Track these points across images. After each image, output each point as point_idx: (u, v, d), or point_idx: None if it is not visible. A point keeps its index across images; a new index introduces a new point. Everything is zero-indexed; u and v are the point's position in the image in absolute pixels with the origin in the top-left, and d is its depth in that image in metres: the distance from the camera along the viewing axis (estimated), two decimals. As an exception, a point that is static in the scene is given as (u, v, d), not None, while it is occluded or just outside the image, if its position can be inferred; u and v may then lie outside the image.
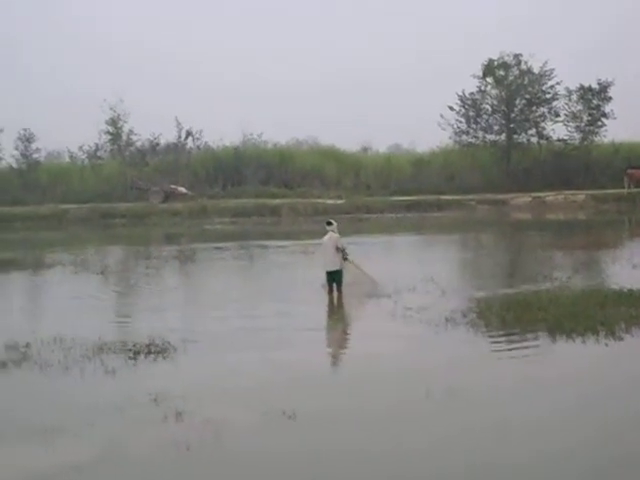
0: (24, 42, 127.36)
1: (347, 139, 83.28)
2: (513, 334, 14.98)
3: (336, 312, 19.02)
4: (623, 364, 12.96)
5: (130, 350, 14.27)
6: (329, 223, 20.76)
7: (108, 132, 66.82)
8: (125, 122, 66.44)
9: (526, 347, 14.13)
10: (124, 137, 67.24)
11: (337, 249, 20.17)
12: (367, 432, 10.06)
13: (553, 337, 14.40)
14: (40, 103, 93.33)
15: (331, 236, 20.33)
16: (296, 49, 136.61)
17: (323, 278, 20.34)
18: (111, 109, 65.40)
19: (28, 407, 11.55)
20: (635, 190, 55.71)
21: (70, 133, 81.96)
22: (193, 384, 12.25)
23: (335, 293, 19.99)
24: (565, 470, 8.76)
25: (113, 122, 66.14)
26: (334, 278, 20.10)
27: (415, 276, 21.82)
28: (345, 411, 10.92)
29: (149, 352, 14.15)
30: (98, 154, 70.19)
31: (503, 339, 14.80)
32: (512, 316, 15.99)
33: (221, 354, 14.25)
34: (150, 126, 70.30)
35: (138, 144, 68.54)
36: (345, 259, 20.34)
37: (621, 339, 14.22)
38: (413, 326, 16.05)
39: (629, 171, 57.08)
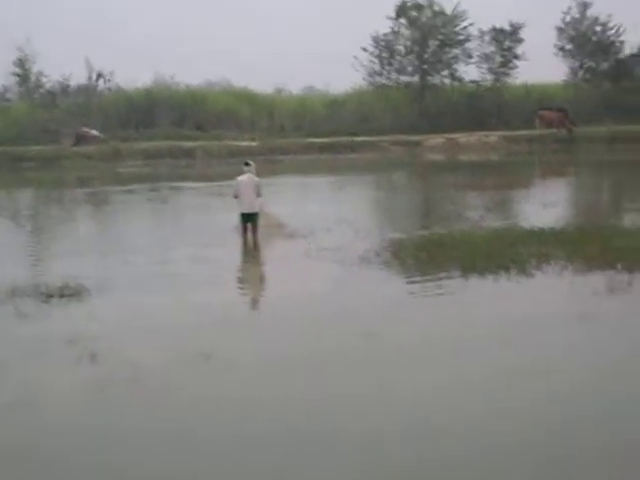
0: None
1: (261, 81, 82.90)
2: (427, 273, 15.14)
3: (252, 254, 18.96)
4: (534, 300, 13.19)
5: (43, 294, 14.11)
6: (247, 164, 20.43)
7: (16, 73, 65.35)
8: (34, 63, 65.08)
9: (440, 286, 14.29)
10: (33, 78, 65.82)
11: (257, 190, 19.88)
12: (277, 376, 10.06)
13: (466, 276, 14.59)
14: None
15: (250, 177, 19.96)
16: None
17: (236, 219, 20.09)
18: (18, 49, 63.97)
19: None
20: (546, 131, 56.45)
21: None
22: (107, 326, 12.17)
23: (250, 235, 19.82)
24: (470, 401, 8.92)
25: (21, 63, 64.69)
26: (249, 220, 19.87)
27: (329, 217, 21.95)
28: (260, 353, 10.94)
29: (62, 295, 14.01)
30: (6, 96, 68.61)
31: (417, 278, 14.95)
32: (426, 255, 16.16)
33: (136, 297, 14.18)
34: (60, 68, 69.02)
35: (48, 86, 67.19)
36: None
37: (532, 276, 14.49)
38: (328, 266, 16.13)
39: (540, 112, 57.76)
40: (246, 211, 19.71)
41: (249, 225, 19.71)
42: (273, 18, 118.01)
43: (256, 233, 19.77)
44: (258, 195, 19.79)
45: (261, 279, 16.53)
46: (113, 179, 42.81)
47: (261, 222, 19.97)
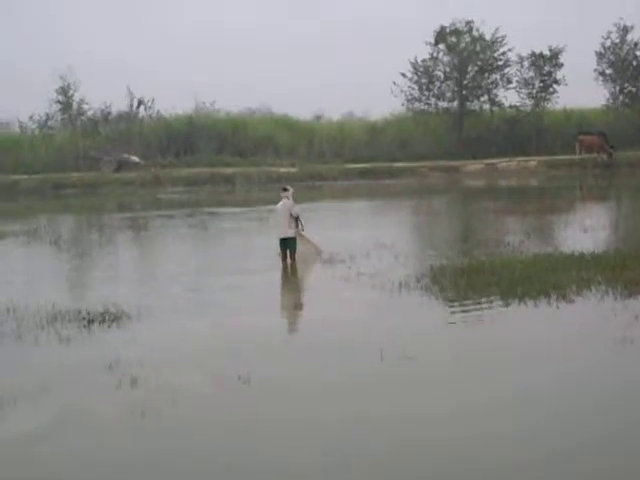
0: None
1: (300, 108, 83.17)
2: (467, 298, 15.08)
3: (290, 279, 19.04)
4: (574, 325, 13.11)
5: (84, 318, 14.21)
6: (285, 189, 20.69)
7: (58, 101, 66.03)
8: (76, 91, 65.74)
9: (479, 311, 14.24)
10: (75, 106, 66.48)
11: (291, 216, 20.11)
12: (321, 398, 10.09)
13: (506, 301, 14.52)
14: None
15: (284, 203, 20.23)
16: (247, 20, 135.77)
17: (276, 245, 20.29)
18: (61, 78, 64.67)
19: (-19, 376, 11.49)
20: (586, 156, 56.13)
21: (20, 103, 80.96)
22: (148, 351, 12.23)
23: (289, 260, 19.98)
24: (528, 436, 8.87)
25: (63, 91, 65.38)
26: (287, 246, 20.06)
27: (369, 242, 21.96)
28: (300, 377, 10.97)
29: (103, 320, 14.11)
30: (49, 124, 69.25)
31: (457, 304, 14.89)
32: (465, 281, 16.09)
33: (176, 321, 14.24)
34: (102, 95, 69.70)
35: (90, 113, 67.90)
36: (297, 226, 20.34)
37: (572, 302, 14.39)
38: (367, 291, 16.12)
39: (580, 137, 57.47)
40: (280, 236, 20.01)
41: (287, 252, 19.92)
42: (312, 45, 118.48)
43: (293, 258, 19.91)
44: (293, 218, 19.94)
45: (299, 304, 16.52)
46: (153, 205, 43.07)
47: (299, 247, 20.07)
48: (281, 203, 20.22)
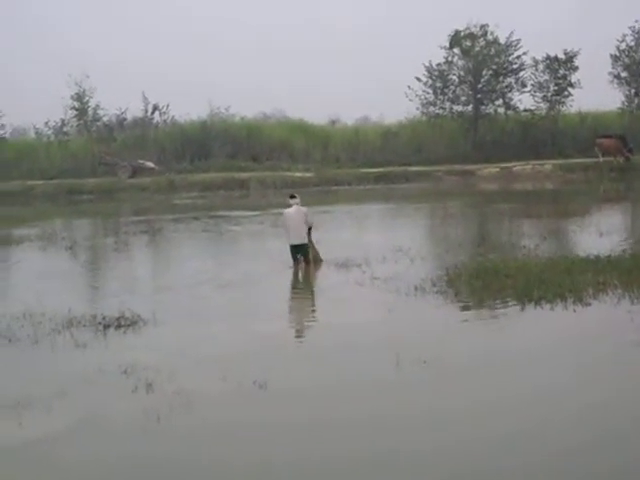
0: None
1: (315, 112, 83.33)
2: (482, 302, 15.07)
3: (305, 283, 19.05)
4: (591, 329, 13.08)
5: (100, 323, 14.26)
6: (292, 196, 20.72)
7: (74, 107, 66.18)
8: (91, 97, 65.88)
9: (495, 314, 14.24)
10: (90, 112, 66.61)
11: (305, 221, 20.10)
12: (335, 403, 10.10)
13: (522, 304, 14.50)
14: (4, 79, 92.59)
15: (298, 209, 20.21)
16: (261, 24, 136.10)
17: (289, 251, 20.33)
18: (76, 84, 64.85)
19: (-2, 381, 11.54)
20: (607, 159, 55.79)
21: (36, 109, 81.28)
22: (163, 356, 12.26)
23: (301, 264, 19.98)
24: (542, 440, 8.84)
25: (79, 97, 65.52)
26: (299, 251, 20.06)
27: (384, 246, 21.97)
28: (316, 381, 10.98)
29: (119, 325, 14.15)
30: (64, 130, 69.37)
31: (472, 307, 14.89)
32: (481, 284, 16.07)
33: (191, 326, 14.28)
34: (117, 100, 69.94)
35: (105, 119, 68.07)
36: (309, 234, 20.32)
37: (588, 305, 14.35)
38: (383, 295, 16.11)
39: (598, 140, 57.11)
40: (294, 242, 19.99)
41: (299, 257, 19.92)
42: (325, 51, 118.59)
43: (308, 263, 19.92)
44: (307, 224, 19.96)
45: (314, 308, 16.51)
46: (168, 210, 43.12)
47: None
48: (294, 209, 20.17)
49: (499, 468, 8.14)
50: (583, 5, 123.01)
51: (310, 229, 20.34)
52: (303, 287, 18.74)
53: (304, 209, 20.23)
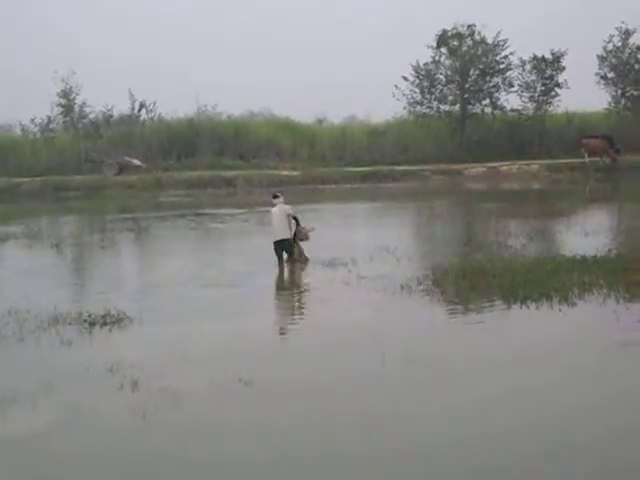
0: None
1: (302, 111, 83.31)
2: (468, 301, 15.10)
3: (291, 281, 19.03)
4: (576, 328, 13.13)
5: (86, 321, 14.24)
6: (276, 196, 20.83)
7: (60, 104, 65.97)
8: (77, 94, 65.65)
9: (481, 314, 14.25)
10: (77, 109, 66.41)
11: (288, 217, 20.23)
12: (320, 401, 10.11)
13: (508, 304, 14.54)
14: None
15: (281, 207, 20.37)
16: (250, 22, 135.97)
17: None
18: (63, 81, 64.62)
19: (-18, 378, 11.50)
20: (593, 159, 55.88)
21: (21, 106, 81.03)
22: (149, 353, 12.27)
23: (285, 263, 20.03)
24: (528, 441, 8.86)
25: (65, 94, 65.30)
26: (283, 247, 20.14)
27: (370, 245, 21.98)
28: (301, 379, 10.98)
29: (105, 323, 14.14)
30: (50, 127, 69.22)
31: (459, 306, 14.92)
32: (467, 283, 16.11)
33: (176, 324, 14.26)
34: (104, 98, 69.76)
35: (91, 116, 67.85)
36: (297, 225, 20.42)
37: (574, 304, 14.39)
38: (369, 294, 16.14)
39: (584, 141, 57.18)
40: (277, 238, 20.09)
41: (284, 254, 19.98)
42: (313, 48, 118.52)
43: (291, 259, 19.99)
44: (291, 219, 20.09)
45: (301, 307, 16.50)
46: (154, 208, 43.07)
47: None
48: (277, 208, 20.34)
49: (486, 466, 8.15)
50: (570, 5, 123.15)
51: (297, 221, 20.41)
52: (289, 286, 18.72)
53: (287, 206, 20.37)
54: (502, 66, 67.15)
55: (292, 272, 19.61)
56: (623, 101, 67.64)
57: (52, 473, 8.40)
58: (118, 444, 8.99)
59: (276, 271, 19.68)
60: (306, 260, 20.33)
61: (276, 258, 20.18)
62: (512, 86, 67.15)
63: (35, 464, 8.60)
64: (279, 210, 20.34)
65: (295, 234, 20.42)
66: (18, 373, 11.69)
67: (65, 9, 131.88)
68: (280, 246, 20.13)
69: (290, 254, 20.14)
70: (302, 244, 20.59)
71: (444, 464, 8.24)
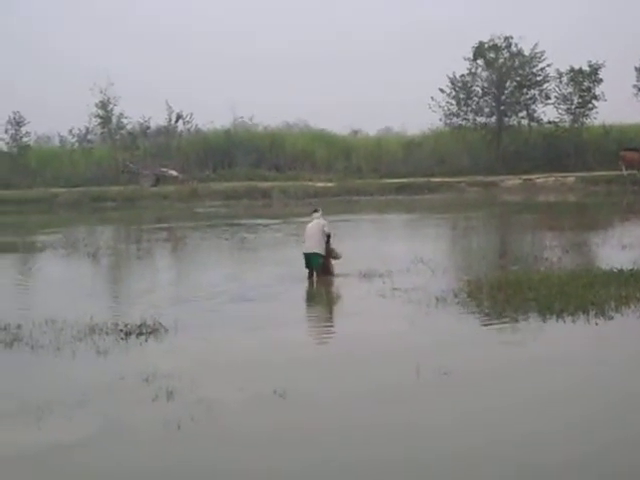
0: (13, 25, 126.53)
1: (337, 123, 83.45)
2: (504, 314, 15.02)
3: (326, 293, 18.96)
4: (613, 342, 13.04)
5: (122, 331, 14.28)
6: (316, 210, 20.79)
7: (98, 115, 66.45)
8: (115, 105, 66.12)
9: (516, 327, 14.19)
10: (114, 120, 66.87)
11: (322, 233, 20.05)
12: (355, 412, 10.10)
13: (544, 317, 14.44)
14: (29, 87, 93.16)
15: (318, 222, 20.23)
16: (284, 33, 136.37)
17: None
18: (101, 92, 65.09)
19: (19, 387, 11.55)
20: (631, 172, 55.44)
21: (60, 117, 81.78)
22: (184, 364, 12.28)
23: (316, 277, 19.89)
24: (567, 449, 8.81)
25: (103, 105, 65.78)
26: (312, 260, 19.98)
27: (406, 257, 21.91)
28: (336, 391, 10.97)
29: (141, 333, 14.18)
30: (88, 138, 69.80)
31: (494, 319, 14.85)
32: (503, 296, 16.01)
33: (211, 334, 14.28)
34: (141, 109, 70.27)
35: (129, 127, 68.31)
36: (327, 242, 20.20)
37: (611, 318, 14.28)
38: (404, 306, 16.09)
39: (621, 153, 56.76)
40: (306, 251, 19.94)
41: (313, 267, 19.83)
42: (349, 61, 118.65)
43: (319, 273, 19.82)
44: (325, 236, 19.93)
45: (335, 319, 16.51)
46: (190, 218, 43.26)
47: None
48: (314, 222, 20.23)
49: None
50: (609, 16, 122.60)
51: (329, 238, 20.27)
52: (323, 298, 18.68)
53: (323, 221, 20.25)
54: (539, 78, 66.97)
55: (325, 284, 19.54)
56: (661, 113, 67.15)
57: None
58: (153, 455, 9.01)
59: (307, 284, 19.64)
60: (333, 276, 20.15)
61: (306, 270, 20.11)
62: (549, 98, 66.95)
63: (69, 476, 8.64)
64: (316, 224, 20.21)
65: (327, 252, 20.24)
66: (54, 383, 11.76)
67: (105, 22, 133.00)
68: (309, 259, 20.02)
69: (317, 268, 19.97)
70: (333, 261, 20.46)
71: (478, 473, 8.22)
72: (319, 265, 20.01)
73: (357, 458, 8.68)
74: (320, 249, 19.95)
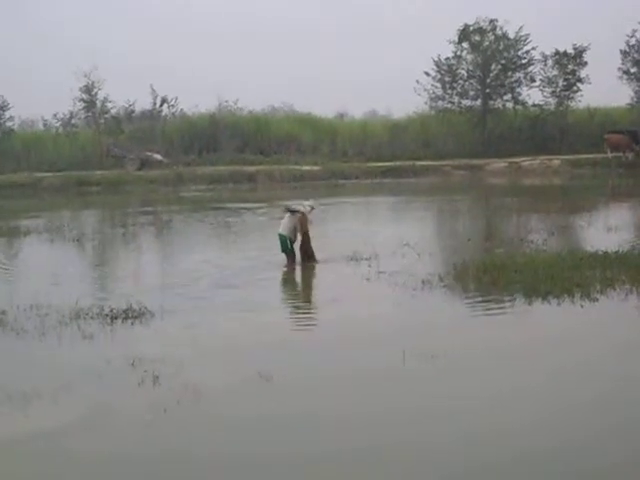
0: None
1: (323, 106, 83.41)
2: (490, 296, 15.04)
3: (310, 277, 18.94)
4: (598, 324, 13.07)
5: (107, 315, 14.23)
6: (290, 211, 19.93)
7: (82, 99, 66.22)
8: (100, 89, 65.92)
9: (502, 309, 14.21)
10: (99, 104, 66.67)
11: (295, 227, 19.55)
12: (341, 396, 10.10)
13: (529, 299, 14.47)
14: (13, 71, 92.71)
15: (292, 218, 19.62)
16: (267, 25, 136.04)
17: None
18: (85, 76, 64.86)
19: (4, 372, 11.53)
20: (615, 155, 55.55)
21: (44, 101, 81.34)
22: (170, 348, 12.25)
23: (300, 262, 19.60)
24: (549, 436, 8.82)
25: (87, 89, 65.56)
26: (282, 244, 19.56)
27: (391, 240, 21.94)
28: (321, 374, 10.97)
29: (126, 317, 14.13)
30: (72, 122, 69.54)
31: (480, 301, 14.86)
32: (488, 279, 16.04)
33: (197, 319, 14.24)
34: (125, 93, 69.99)
35: (113, 111, 68.16)
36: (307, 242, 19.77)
37: (596, 300, 14.31)
38: (390, 289, 16.08)
39: (606, 136, 56.88)
40: (281, 232, 19.59)
41: (290, 250, 19.53)
42: (334, 43, 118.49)
43: (307, 259, 19.54)
44: (296, 229, 19.49)
45: (320, 302, 16.44)
46: (175, 203, 43.18)
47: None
48: (287, 218, 19.80)
49: (509, 460, 8.14)
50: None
51: (308, 237, 19.85)
52: (309, 282, 18.67)
53: (295, 220, 19.58)
54: (524, 61, 67.11)
55: (309, 269, 19.46)
56: (646, 96, 67.24)
57: (72, 469, 8.41)
58: (139, 439, 9.00)
59: (294, 266, 19.52)
60: (316, 262, 19.91)
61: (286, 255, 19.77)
62: (534, 81, 67.11)
63: (55, 460, 8.61)
64: (288, 220, 19.62)
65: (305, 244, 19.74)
66: (39, 368, 11.73)
67: (89, 4, 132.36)
68: (281, 241, 19.62)
69: (287, 253, 19.65)
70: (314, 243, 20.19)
71: (466, 457, 8.21)
72: (288, 250, 19.67)
73: (342, 441, 8.68)
74: (291, 235, 19.61)
